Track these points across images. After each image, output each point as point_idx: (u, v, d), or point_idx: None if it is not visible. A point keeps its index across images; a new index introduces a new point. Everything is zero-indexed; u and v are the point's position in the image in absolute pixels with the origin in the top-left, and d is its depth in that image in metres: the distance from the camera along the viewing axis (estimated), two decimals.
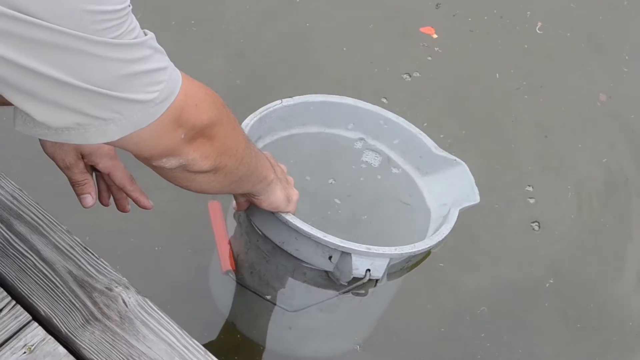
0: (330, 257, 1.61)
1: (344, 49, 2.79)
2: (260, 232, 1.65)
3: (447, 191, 1.81)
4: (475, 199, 1.77)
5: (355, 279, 1.63)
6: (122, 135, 1.06)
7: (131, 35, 1.02)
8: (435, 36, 2.89)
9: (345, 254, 1.59)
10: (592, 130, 2.69)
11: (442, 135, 2.49)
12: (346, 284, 1.65)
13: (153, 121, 1.08)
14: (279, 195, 1.52)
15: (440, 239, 1.65)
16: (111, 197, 1.42)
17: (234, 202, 1.64)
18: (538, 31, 2.99)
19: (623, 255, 2.40)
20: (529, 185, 2.50)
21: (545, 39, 2.96)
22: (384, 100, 2.64)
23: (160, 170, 1.22)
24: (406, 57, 2.81)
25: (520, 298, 2.26)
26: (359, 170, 1.93)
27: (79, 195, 1.33)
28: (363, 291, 1.71)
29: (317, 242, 1.57)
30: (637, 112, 2.78)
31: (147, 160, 1.17)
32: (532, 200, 2.47)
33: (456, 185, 1.80)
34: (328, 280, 1.67)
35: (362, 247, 1.58)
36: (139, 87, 1.04)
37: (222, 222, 1.79)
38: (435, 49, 2.85)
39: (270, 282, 1.74)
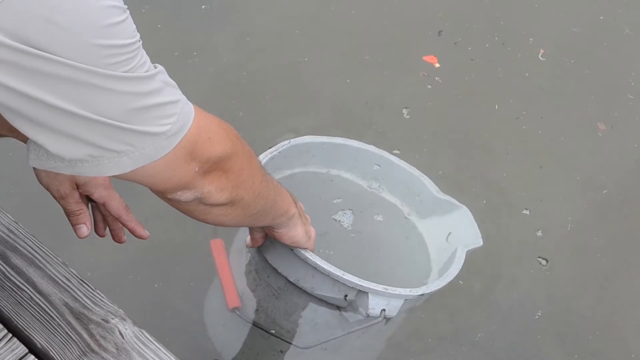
0: (345, 296, 1.62)
1: (347, 80, 2.80)
2: (273, 268, 1.66)
3: (448, 234, 1.84)
4: (479, 242, 1.81)
5: (369, 318, 1.64)
6: (135, 167, 1.07)
7: (142, 69, 1.03)
8: (437, 65, 2.90)
9: (362, 293, 1.61)
10: (591, 161, 2.68)
11: (440, 171, 2.49)
12: (358, 322, 1.66)
13: (166, 154, 1.08)
14: (300, 230, 1.52)
15: (451, 279, 1.69)
16: (107, 228, 1.41)
17: (248, 237, 1.64)
18: (541, 58, 3.00)
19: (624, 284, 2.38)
20: (526, 209, 2.49)
21: (547, 66, 2.96)
22: (378, 130, 2.66)
23: (176, 204, 1.22)
24: (406, 85, 2.82)
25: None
26: (357, 211, 1.95)
27: (74, 225, 1.33)
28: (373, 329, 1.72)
29: (335, 280, 1.59)
30: None
31: (162, 194, 1.18)
32: (539, 233, 2.45)
33: (458, 228, 1.83)
34: (339, 318, 1.68)
35: (379, 287, 1.60)
36: (150, 119, 1.05)
37: (225, 260, 1.79)
38: (436, 78, 2.86)
39: (277, 319, 1.74)
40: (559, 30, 3.10)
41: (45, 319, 1.37)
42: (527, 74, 2.92)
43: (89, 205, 1.36)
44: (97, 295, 1.41)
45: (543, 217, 2.50)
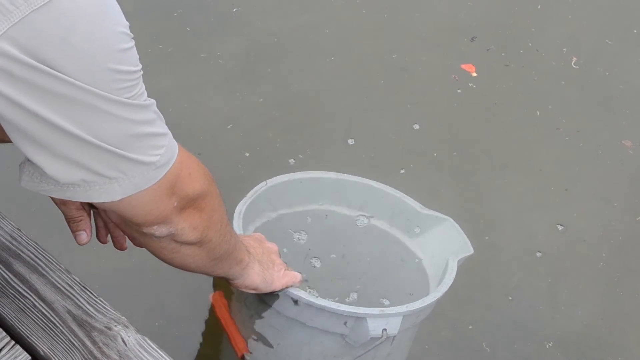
0: (345, 323, 1.65)
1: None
2: (272, 309, 1.67)
3: (439, 247, 1.87)
4: (469, 250, 1.85)
5: (373, 339, 1.66)
6: (123, 195, 1.10)
7: (142, 98, 1.07)
8: (474, 74, 2.89)
9: (360, 319, 1.64)
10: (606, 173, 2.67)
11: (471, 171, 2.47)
12: (363, 345, 1.69)
13: (152, 185, 1.12)
14: (256, 278, 1.54)
15: (445, 289, 1.72)
16: (109, 235, 1.41)
17: None
18: (574, 66, 2.98)
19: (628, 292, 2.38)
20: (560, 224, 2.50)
21: (580, 75, 2.93)
22: (416, 126, 2.67)
23: (148, 240, 1.25)
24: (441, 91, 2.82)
25: None
26: (349, 241, 1.97)
27: (74, 232, 1.33)
28: (382, 351, 1.74)
29: (332, 313, 1.62)
30: None
31: (139, 227, 1.20)
32: (539, 255, 2.44)
33: (447, 240, 1.87)
34: (344, 345, 1.70)
35: (375, 311, 1.64)
36: (143, 148, 1.09)
37: (226, 311, 1.82)
38: (470, 84, 2.85)
39: (287, 358, 1.76)
40: (592, 42, 3.07)
41: (48, 326, 1.37)
42: (562, 82, 2.90)
43: (91, 211, 1.37)
44: (100, 302, 1.41)
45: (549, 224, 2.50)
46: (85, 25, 0.98)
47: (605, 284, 2.37)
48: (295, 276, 1.63)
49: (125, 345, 1.36)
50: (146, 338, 1.38)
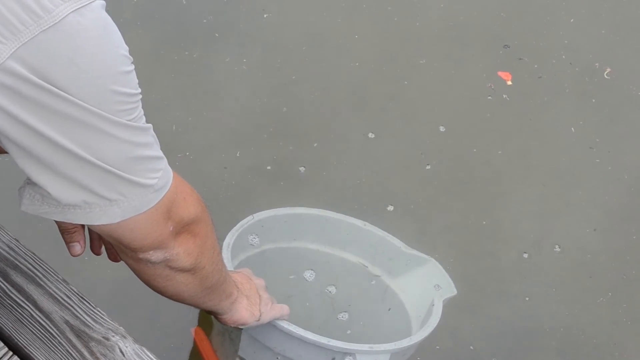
0: (333, 359, 1.66)
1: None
2: (259, 343, 1.68)
3: (422, 287, 1.90)
4: (452, 291, 1.88)
5: None
6: (123, 218, 1.12)
7: (141, 121, 1.09)
8: (509, 83, 2.90)
9: (349, 355, 1.65)
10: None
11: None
12: None
13: (150, 208, 1.14)
14: (244, 313, 1.54)
15: (432, 329, 1.76)
16: (103, 246, 1.41)
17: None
18: (606, 77, 2.97)
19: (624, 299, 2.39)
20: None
21: (612, 90, 2.90)
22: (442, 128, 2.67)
23: (143, 267, 1.26)
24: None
25: None
26: (330, 279, 1.99)
27: (67, 243, 1.33)
28: None
29: (320, 347, 1.63)
30: None
31: (135, 252, 1.21)
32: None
33: (430, 280, 1.89)
34: None
35: (365, 347, 1.66)
36: (142, 171, 1.11)
37: (209, 345, 1.83)
38: (504, 96, 2.86)
39: None
40: (626, 58, 3.04)
41: (46, 336, 1.37)
42: (593, 100, 2.89)
43: None
44: (98, 312, 1.41)
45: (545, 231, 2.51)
46: (91, 47, 1.01)
47: (600, 292, 2.38)
48: (283, 309, 1.63)
49: (123, 355, 1.36)
50: (144, 348, 1.38)
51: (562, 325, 2.27)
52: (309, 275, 1.98)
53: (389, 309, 1.95)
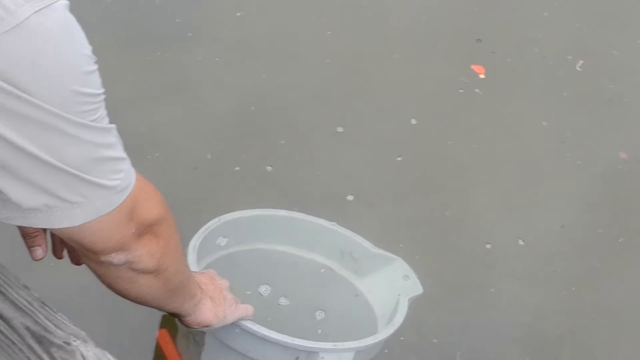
0: (297, 358, 1.66)
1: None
2: (222, 344, 1.68)
3: (388, 287, 1.90)
4: (419, 289, 1.88)
5: None
6: (85, 220, 1.11)
7: (104, 121, 1.08)
8: (482, 76, 2.91)
9: (313, 353, 1.65)
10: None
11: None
12: None
13: (112, 210, 1.13)
14: (208, 314, 1.53)
15: (397, 327, 1.76)
16: (65, 250, 1.41)
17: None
18: (578, 69, 2.99)
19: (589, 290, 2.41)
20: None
21: (584, 83, 2.93)
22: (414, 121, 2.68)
23: (105, 269, 1.24)
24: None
25: None
26: (297, 280, 1.98)
27: (29, 247, 1.33)
28: None
29: (285, 346, 1.63)
30: None
31: (97, 255, 1.20)
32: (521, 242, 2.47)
33: (397, 280, 1.89)
34: None
35: (329, 345, 1.66)
36: (105, 172, 1.09)
37: (174, 348, 1.82)
38: (476, 90, 2.87)
39: None
40: (598, 51, 3.07)
41: (6, 343, 1.36)
42: (565, 94, 2.91)
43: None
44: (59, 317, 1.40)
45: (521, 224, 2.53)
46: (53, 47, 1.00)
47: (567, 284, 2.40)
48: (248, 309, 1.62)
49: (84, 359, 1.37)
50: (106, 352, 1.37)
51: (527, 317, 2.29)
52: (264, 290, 1.98)
53: (356, 308, 1.95)
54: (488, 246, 2.43)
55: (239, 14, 2.98)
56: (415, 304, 1.88)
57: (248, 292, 1.96)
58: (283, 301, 2.01)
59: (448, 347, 2.20)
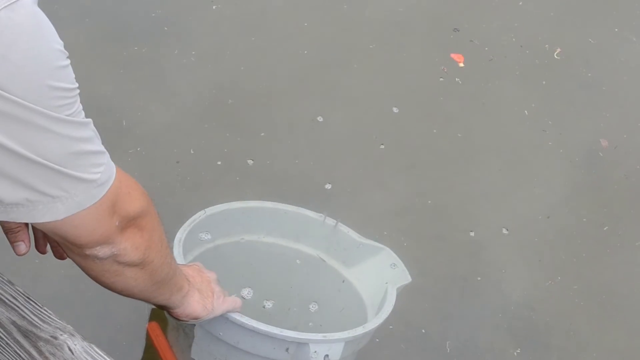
0: (287, 349, 1.66)
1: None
2: (212, 336, 1.68)
3: (376, 276, 1.90)
4: (407, 278, 1.88)
5: None
6: (67, 214, 1.11)
7: (80, 116, 1.08)
8: (462, 65, 2.90)
9: (303, 344, 1.66)
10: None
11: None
12: None
13: (94, 203, 1.14)
14: (196, 306, 1.53)
15: (386, 316, 1.78)
16: (48, 244, 1.39)
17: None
18: (556, 57, 2.99)
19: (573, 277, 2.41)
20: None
21: (562, 71, 2.93)
22: (395, 110, 2.68)
23: (90, 263, 1.25)
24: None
25: None
26: (285, 271, 1.99)
27: (12, 242, 1.32)
28: None
29: (274, 338, 1.64)
30: None
31: (81, 249, 1.21)
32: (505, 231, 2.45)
33: (385, 269, 1.90)
34: None
35: (318, 336, 1.68)
36: (84, 166, 1.10)
37: (164, 341, 1.82)
38: (457, 79, 2.86)
39: None
40: (575, 39, 3.08)
41: None
42: (544, 82, 2.91)
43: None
44: (45, 312, 1.39)
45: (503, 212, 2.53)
46: (24, 42, 1.00)
47: (553, 273, 2.40)
48: (236, 301, 1.63)
49: (72, 353, 1.35)
50: (93, 345, 1.36)
51: (513, 305, 2.29)
52: (246, 293, 1.97)
53: (346, 299, 1.95)
54: (472, 234, 2.42)
55: (214, 7, 2.95)
56: (403, 293, 1.88)
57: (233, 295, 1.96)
58: (267, 304, 2.00)
59: (437, 336, 2.20)
